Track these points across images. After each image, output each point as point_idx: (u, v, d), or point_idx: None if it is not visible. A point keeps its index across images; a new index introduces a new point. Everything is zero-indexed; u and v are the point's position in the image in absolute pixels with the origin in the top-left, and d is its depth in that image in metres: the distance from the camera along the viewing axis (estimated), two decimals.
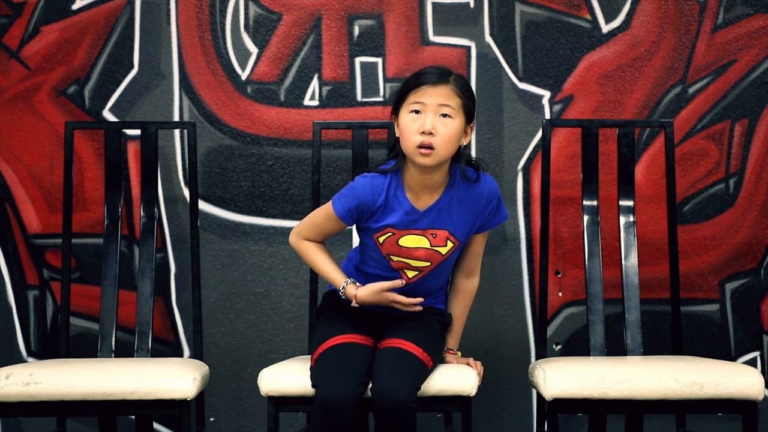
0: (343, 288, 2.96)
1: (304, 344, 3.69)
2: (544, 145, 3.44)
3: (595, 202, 3.43)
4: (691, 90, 3.78)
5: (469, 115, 2.91)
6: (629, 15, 3.78)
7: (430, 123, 2.84)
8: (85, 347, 3.71)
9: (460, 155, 2.94)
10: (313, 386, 2.78)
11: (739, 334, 3.78)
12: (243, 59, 3.80)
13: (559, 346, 3.79)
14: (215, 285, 3.80)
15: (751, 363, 3.76)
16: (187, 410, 2.96)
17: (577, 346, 3.75)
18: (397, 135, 2.95)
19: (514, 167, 3.78)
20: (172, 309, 3.80)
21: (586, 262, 3.38)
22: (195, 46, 3.80)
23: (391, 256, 2.96)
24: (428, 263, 2.97)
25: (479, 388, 2.95)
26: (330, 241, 3.25)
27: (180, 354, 3.80)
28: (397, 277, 2.97)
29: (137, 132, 3.66)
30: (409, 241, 2.95)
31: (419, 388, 2.78)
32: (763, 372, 3.76)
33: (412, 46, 3.76)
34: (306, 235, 3.06)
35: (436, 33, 3.77)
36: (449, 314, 3.08)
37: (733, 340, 3.78)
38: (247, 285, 3.80)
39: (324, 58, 3.79)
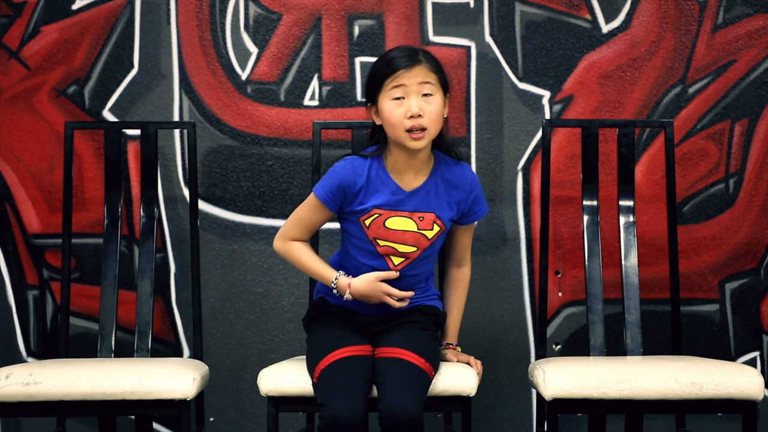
0: (335, 280, 2.94)
1: (304, 344, 3.66)
2: (544, 145, 3.44)
3: (595, 202, 3.43)
4: (691, 90, 3.78)
5: (444, 88, 2.93)
6: (629, 15, 3.79)
7: (417, 106, 2.85)
8: (84, 347, 3.71)
9: (441, 134, 2.97)
10: (318, 405, 2.75)
11: (738, 334, 3.78)
12: (243, 59, 3.80)
13: (558, 346, 3.79)
14: (215, 285, 3.80)
15: (751, 363, 3.76)
16: (186, 410, 2.96)
17: (576, 346, 3.75)
18: (377, 123, 2.95)
19: (514, 167, 3.78)
20: (171, 309, 3.80)
21: (586, 262, 3.38)
22: (195, 46, 3.80)
23: (378, 240, 2.94)
24: (415, 248, 2.95)
25: (479, 388, 2.94)
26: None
27: (180, 354, 3.81)
28: (384, 267, 2.95)
29: (137, 132, 3.66)
30: (397, 223, 2.94)
31: (425, 401, 2.78)
32: (762, 372, 3.76)
33: None
34: (291, 234, 3.03)
35: (436, 33, 3.77)
36: (444, 313, 3.07)
37: (732, 340, 3.78)
38: (246, 285, 3.81)
39: (324, 58, 3.79)
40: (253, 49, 3.80)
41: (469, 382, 2.91)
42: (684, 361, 3.07)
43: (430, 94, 2.88)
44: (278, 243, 3.07)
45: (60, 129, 3.72)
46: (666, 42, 3.78)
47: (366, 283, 2.91)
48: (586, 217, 3.42)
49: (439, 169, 2.99)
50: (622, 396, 2.88)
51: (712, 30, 3.78)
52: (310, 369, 2.85)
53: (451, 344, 3.08)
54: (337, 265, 3.04)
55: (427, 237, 2.96)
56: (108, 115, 3.80)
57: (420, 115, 2.85)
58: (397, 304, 2.92)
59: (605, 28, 3.79)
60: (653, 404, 2.91)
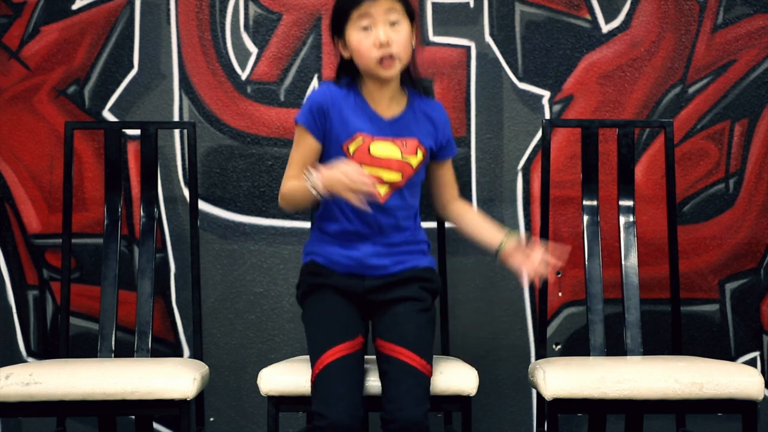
0: (309, 179, 2.80)
1: (304, 344, 3.65)
2: (544, 145, 3.44)
3: (594, 202, 3.43)
4: (691, 90, 3.78)
5: (411, 16, 2.93)
6: (629, 15, 3.79)
7: (385, 35, 2.85)
8: (84, 347, 3.71)
9: (408, 68, 2.98)
10: (315, 413, 2.75)
11: (738, 334, 3.78)
12: (243, 59, 3.80)
13: (558, 346, 3.79)
14: (215, 285, 3.80)
15: (751, 363, 3.76)
16: (186, 410, 2.96)
17: (576, 346, 3.75)
18: (345, 56, 2.95)
19: (513, 167, 3.78)
20: (171, 309, 3.80)
21: (586, 262, 3.39)
22: (195, 46, 3.80)
23: (363, 167, 2.87)
24: (400, 175, 2.93)
25: (479, 387, 2.95)
26: None
27: (180, 354, 3.81)
28: (371, 201, 2.86)
29: (137, 132, 3.66)
30: (381, 149, 2.92)
31: (429, 405, 2.79)
32: (763, 372, 3.76)
33: None
34: (287, 177, 2.97)
35: (436, 33, 3.78)
36: (437, 276, 3.03)
37: (732, 340, 3.78)
38: (246, 285, 3.81)
39: (324, 58, 3.79)
40: (253, 49, 3.80)
41: (469, 382, 2.91)
42: (684, 361, 3.07)
43: (397, 23, 2.88)
44: (280, 198, 3.00)
45: (60, 129, 3.72)
46: (666, 42, 3.79)
47: (330, 169, 2.75)
48: (586, 217, 3.43)
49: (414, 101, 3.01)
50: (622, 396, 2.88)
51: (712, 30, 3.78)
52: (312, 358, 2.85)
53: (502, 244, 2.97)
54: (321, 215, 2.99)
55: (411, 164, 2.94)
56: (108, 115, 3.80)
57: (389, 44, 2.85)
58: (358, 203, 2.75)
59: (605, 28, 3.79)
60: (653, 404, 2.91)
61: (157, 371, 2.98)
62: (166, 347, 3.80)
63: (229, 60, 3.81)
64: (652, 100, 3.78)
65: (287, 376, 2.94)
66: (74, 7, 3.80)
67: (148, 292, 3.40)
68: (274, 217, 3.80)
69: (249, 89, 3.80)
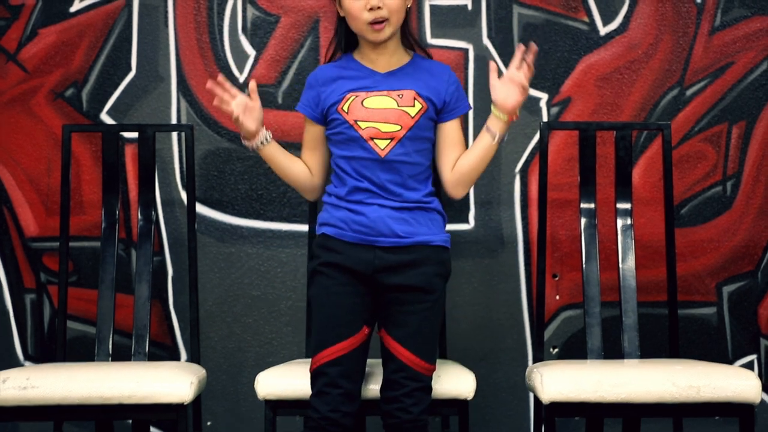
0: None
1: (302, 348, 3.69)
2: (542, 148, 3.44)
3: (592, 205, 3.43)
4: (689, 92, 3.78)
5: None
6: (627, 17, 3.79)
7: None
8: (82, 351, 3.71)
9: (408, 28, 2.99)
10: (311, 407, 2.79)
11: (736, 337, 3.79)
12: (241, 62, 3.80)
13: (556, 350, 3.79)
14: (212, 288, 3.80)
15: (748, 366, 3.77)
16: (184, 414, 2.96)
17: (574, 349, 3.75)
18: (341, 15, 2.96)
19: (511, 170, 3.78)
20: (169, 312, 3.80)
21: (584, 265, 3.38)
22: (193, 48, 3.81)
23: (359, 123, 2.89)
24: (398, 126, 2.90)
25: (476, 391, 2.96)
26: None
27: (177, 358, 3.80)
28: (370, 154, 2.88)
29: (135, 135, 3.66)
30: (375, 102, 2.92)
31: (429, 402, 2.84)
32: (760, 375, 3.76)
33: None
34: (304, 161, 3.06)
35: (434, 35, 3.77)
36: (449, 257, 2.97)
37: (730, 343, 3.78)
38: (244, 288, 3.81)
39: (322, 60, 3.78)
40: (251, 52, 3.80)
41: (466, 386, 2.93)
42: (681, 364, 3.08)
43: None
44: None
45: (57, 132, 3.72)
46: (663, 44, 3.79)
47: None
48: (583, 220, 3.42)
49: (417, 60, 3.02)
50: (620, 399, 2.89)
51: (709, 32, 3.78)
52: (312, 350, 2.86)
53: (489, 125, 2.96)
54: (332, 185, 2.99)
55: (409, 114, 2.92)
56: (106, 118, 3.80)
57: (380, 7, 2.86)
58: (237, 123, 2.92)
59: (603, 31, 3.79)
60: (650, 408, 2.91)
61: (154, 375, 2.99)
62: (163, 351, 3.80)
63: (227, 62, 3.81)
64: (649, 102, 3.78)
65: (285, 380, 2.95)
66: (72, 9, 3.80)
67: (146, 296, 3.40)
68: (271, 220, 3.80)
69: (247, 92, 3.79)
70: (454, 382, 2.92)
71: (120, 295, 3.54)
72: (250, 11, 3.80)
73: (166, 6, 3.80)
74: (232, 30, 3.81)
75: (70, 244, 3.57)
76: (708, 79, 3.78)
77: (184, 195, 3.78)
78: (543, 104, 3.78)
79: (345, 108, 2.91)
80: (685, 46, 3.78)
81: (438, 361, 3.02)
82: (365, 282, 2.88)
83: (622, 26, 3.79)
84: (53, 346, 3.72)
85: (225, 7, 3.80)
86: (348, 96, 2.92)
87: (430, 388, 2.87)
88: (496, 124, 2.95)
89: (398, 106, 2.92)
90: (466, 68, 3.78)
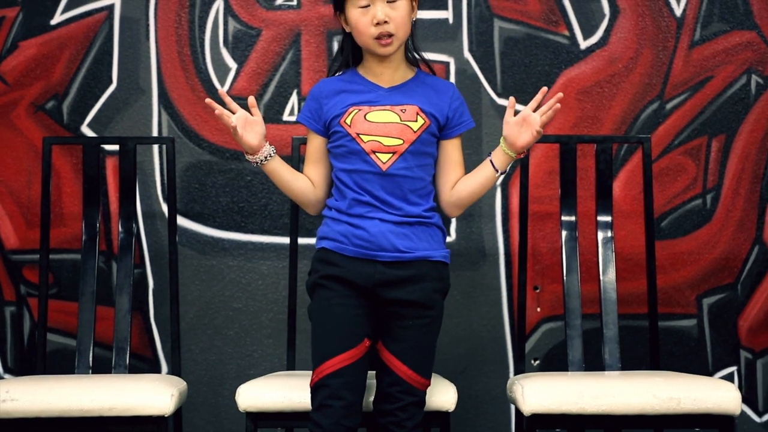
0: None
1: (283, 360, 3.69)
2: (523, 161, 3.45)
3: (573, 218, 3.44)
4: (669, 106, 3.80)
5: None
6: (607, 31, 3.81)
7: (382, 12, 2.84)
8: (62, 363, 3.69)
9: (413, 43, 2.99)
10: (312, 419, 2.78)
11: (716, 349, 3.80)
12: (222, 75, 3.81)
13: (537, 362, 3.80)
14: (193, 301, 3.80)
15: (728, 378, 3.78)
16: (165, 426, 2.96)
17: (555, 361, 3.76)
18: (347, 31, 2.95)
19: None
20: (150, 325, 3.80)
21: (565, 278, 3.39)
22: (174, 61, 3.81)
23: (362, 136, 2.87)
24: (401, 141, 2.88)
25: (458, 403, 2.96)
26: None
27: (158, 370, 3.80)
28: (372, 167, 2.87)
29: (116, 147, 3.66)
30: (378, 116, 2.90)
31: (422, 416, 2.86)
32: (740, 387, 3.78)
33: None
34: (307, 174, 3.01)
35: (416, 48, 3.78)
36: (448, 273, 2.94)
37: (710, 355, 3.80)
38: (225, 301, 3.81)
39: (303, 73, 3.80)
40: (233, 65, 3.81)
41: (448, 398, 2.93)
42: (662, 376, 3.09)
43: (395, 0, 2.88)
44: None
45: (38, 144, 3.72)
46: (644, 58, 3.81)
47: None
48: (564, 233, 3.43)
49: (421, 75, 3.00)
50: (600, 411, 2.89)
51: (689, 46, 3.81)
52: (313, 363, 2.84)
53: (494, 159, 2.95)
54: (333, 199, 2.96)
55: (412, 129, 2.89)
56: (86, 131, 3.80)
57: (386, 22, 2.85)
58: (236, 136, 2.88)
59: (583, 45, 3.81)
60: (631, 419, 2.92)
61: (134, 388, 2.98)
62: (144, 363, 3.79)
63: (209, 75, 3.81)
64: (629, 115, 3.80)
65: (266, 392, 2.95)
66: (53, 22, 3.81)
67: (126, 308, 3.40)
68: (252, 232, 3.80)
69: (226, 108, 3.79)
70: (435, 394, 2.91)
71: (100, 308, 3.53)
72: (232, 24, 3.81)
73: (147, 19, 3.81)
74: (214, 43, 3.81)
75: (51, 256, 3.57)
76: (688, 92, 3.80)
77: (165, 207, 3.78)
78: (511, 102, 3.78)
79: (348, 121, 2.89)
80: (665, 60, 3.80)
81: None
82: (365, 295, 2.85)
83: (603, 40, 3.81)
84: (33, 359, 3.71)
85: (206, 20, 3.81)
86: (351, 109, 2.90)
87: (424, 403, 2.86)
88: (501, 159, 2.94)
89: (401, 120, 2.90)
90: None
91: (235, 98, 3.72)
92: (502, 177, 2.99)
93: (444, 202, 3.00)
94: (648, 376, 3.09)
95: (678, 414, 2.89)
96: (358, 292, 2.84)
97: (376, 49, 2.88)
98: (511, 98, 2.96)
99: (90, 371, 3.34)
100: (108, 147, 3.74)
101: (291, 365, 3.42)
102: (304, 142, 3.45)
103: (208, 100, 2.87)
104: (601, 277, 3.39)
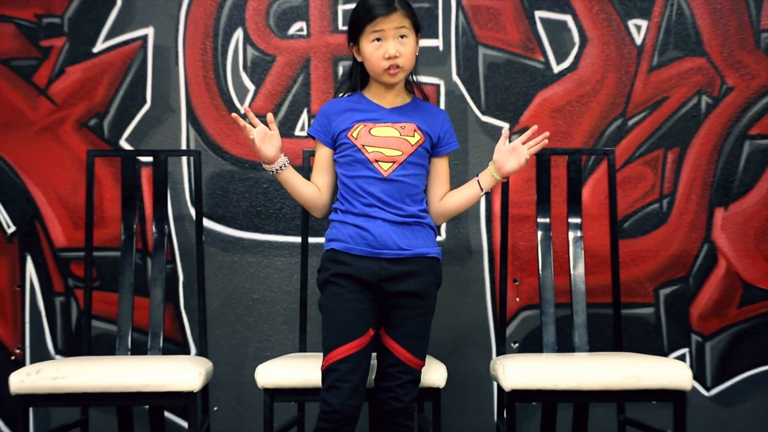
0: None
1: (296, 343, 3.69)
2: None
3: (547, 220, 3.44)
4: (631, 122, 3.79)
5: (416, 29, 2.94)
6: (577, 57, 3.80)
7: (394, 48, 2.87)
8: (104, 346, 3.71)
9: (413, 73, 3.01)
10: (322, 401, 2.78)
11: (671, 333, 3.80)
12: (242, 95, 3.81)
13: (516, 344, 3.79)
14: (218, 292, 3.80)
15: (681, 358, 3.78)
16: (193, 401, 2.96)
17: (532, 344, 3.75)
18: (359, 60, 2.96)
19: None
20: (180, 313, 3.80)
21: (540, 272, 3.39)
22: (200, 84, 3.81)
23: (366, 147, 2.88)
24: (400, 152, 2.90)
25: (447, 380, 2.97)
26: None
27: (187, 352, 3.79)
28: (375, 174, 2.88)
29: (150, 159, 3.66)
30: (381, 131, 2.91)
31: (417, 392, 2.87)
32: (691, 366, 3.77)
33: None
34: (313, 181, 3.02)
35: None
36: (440, 268, 2.96)
37: (665, 339, 3.79)
38: (245, 292, 3.80)
39: (312, 94, 3.80)
40: (251, 87, 3.81)
41: (439, 376, 2.94)
42: (624, 356, 3.09)
43: (406, 36, 2.90)
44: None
45: (82, 156, 3.72)
46: (609, 81, 3.80)
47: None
48: (540, 233, 3.43)
49: (416, 101, 3.02)
50: (571, 387, 2.90)
51: (648, 71, 3.80)
52: (323, 349, 2.83)
53: (481, 180, 2.99)
54: (339, 202, 2.96)
55: (410, 142, 2.91)
56: (124, 144, 3.80)
57: (396, 56, 2.87)
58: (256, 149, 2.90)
59: (556, 69, 3.81)
60: (597, 394, 2.92)
61: (167, 367, 2.99)
62: (175, 346, 3.79)
63: (230, 96, 3.81)
64: (597, 131, 3.79)
65: (281, 371, 2.96)
66: (95, 50, 3.80)
67: (160, 298, 3.40)
68: (269, 233, 3.80)
69: (247, 121, 3.79)
70: (428, 373, 2.92)
71: (137, 298, 3.53)
72: (250, 51, 3.81)
73: (176, 47, 3.81)
74: (234, 68, 3.81)
75: (94, 253, 3.58)
76: (647, 111, 3.80)
77: (192, 211, 3.78)
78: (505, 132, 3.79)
79: (354, 134, 2.90)
80: (627, 83, 3.79)
81: None
82: (371, 290, 2.85)
83: (573, 65, 3.80)
84: (79, 342, 3.71)
85: (228, 48, 3.81)
86: (357, 125, 2.91)
87: (419, 380, 2.87)
88: (487, 180, 2.98)
89: (400, 135, 2.91)
90: (438, 101, 3.78)
91: (254, 116, 3.77)
92: (485, 194, 3.01)
93: (432, 212, 3.01)
94: (612, 356, 3.10)
95: (638, 389, 2.90)
96: (364, 287, 2.84)
97: (385, 78, 2.90)
98: (506, 128, 3.00)
99: (129, 353, 3.34)
100: (143, 158, 3.72)
101: (303, 348, 3.43)
102: (313, 153, 3.45)
103: (233, 115, 2.89)
104: (572, 271, 3.39)
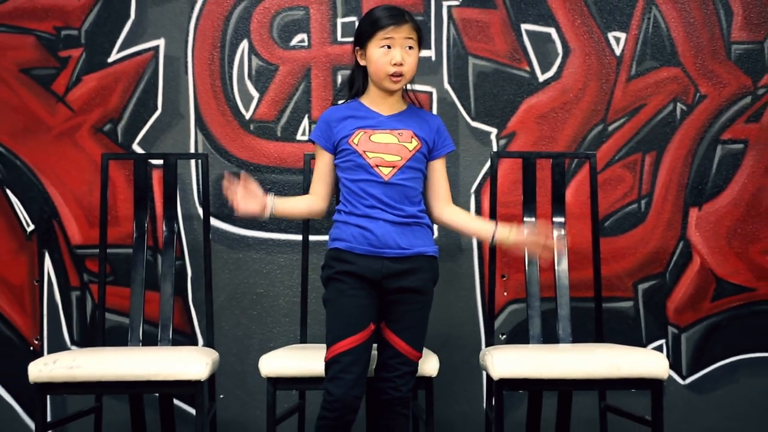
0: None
1: (297, 335, 3.68)
2: (492, 173, 3.45)
3: (533, 219, 3.43)
4: (611, 128, 3.80)
5: (420, 43, 2.93)
6: (560, 67, 3.80)
7: (400, 56, 2.85)
8: (117, 338, 3.69)
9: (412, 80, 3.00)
10: (326, 391, 2.76)
11: (648, 326, 3.80)
12: (247, 102, 3.80)
13: (504, 336, 3.79)
14: (224, 286, 3.79)
15: (659, 349, 3.78)
16: (200, 389, 2.96)
17: (519, 335, 3.75)
18: (362, 64, 2.93)
19: (467, 190, 3.79)
20: (188, 306, 3.79)
21: (527, 268, 3.39)
22: (208, 91, 3.80)
23: (367, 153, 2.86)
24: (399, 157, 2.87)
25: (439, 370, 2.96)
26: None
27: (195, 343, 3.79)
28: (375, 178, 2.86)
29: (160, 162, 3.64)
30: (380, 138, 2.89)
31: (414, 382, 2.87)
32: (667, 356, 3.77)
33: None
34: (311, 189, 3.00)
35: None
36: (437, 265, 2.95)
37: (644, 330, 3.79)
38: (250, 287, 3.80)
39: (313, 101, 3.80)
40: (255, 94, 3.81)
41: (431, 366, 2.93)
42: (605, 347, 3.09)
43: (412, 48, 2.89)
44: None
45: (97, 159, 3.72)
46: (590, 89, 3.80)
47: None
48: (526, 231, 3.41)
49: (412, 108, 3.00)
50: (555, 376, 2.90)
51: (627, 80, 3.80)
52: (327, 342, 2.81)
53: (497, 234, 2.95)
54: (341, 204, 2.93)
55: (407, 148, 2.89)
56: (137, 148, 3.79)
57: (401, 64, 2.86)
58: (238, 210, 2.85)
59: (541, 78, 3.80)
60: (580, 382, 2.93)
61: (176, 357, 2.98)
62: (184, 337, 3.78)
63: (236, 103, 3.80)
64: (579, 136, 3.79)
65: (283, 361, 2.95)
66: (110, 60, 3.79)
67: (170, 293, 3.40)
68: (272, 231, 3.79)
69: (252, 127, 3.80)
70: (421, 363, 2.90)
71: (148, 292, 3.53)
72: (255, 61, 3.80)
73: (186, 57, 3.80)
74: (240, 76, 3.80)
75: (108, 250, 3.57)
76: (626, 117, 3.80)
77: (200, 211, 3.77)
78: (493, 137, 3.79)
79: (355, 141, 2.88)
80: (608, 91, 3.80)
81: None
82: (373, 286, 2.84)
83: (557, 74, 3.80)
84: (94, 334, 3.69)
85: (234, 58, 3.80)
86: (357, 132, 2.89)
87: (416, 371, 2.86)
88: (501, 238, 2.94)
89: (399, 141, 2.89)
90: (431, 108, 3.78)
91: (258, 121, 3.77)
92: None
93: (436, 216, 3.01)
94: (594, 347, 3.10)
95: (618, 378, 2.90)
96: (366, 284, 2.83)
97: (387, 84, 2.88)
98: (550, 226, 3.14)
99: (140, 344, 3.33)
100: (154, 161, 3.72)
101: (304, 339, 3.43)
102: (313, 157, 3.46)
103: (227, 174, 2.86)
104: (556, 267, 3.39)
